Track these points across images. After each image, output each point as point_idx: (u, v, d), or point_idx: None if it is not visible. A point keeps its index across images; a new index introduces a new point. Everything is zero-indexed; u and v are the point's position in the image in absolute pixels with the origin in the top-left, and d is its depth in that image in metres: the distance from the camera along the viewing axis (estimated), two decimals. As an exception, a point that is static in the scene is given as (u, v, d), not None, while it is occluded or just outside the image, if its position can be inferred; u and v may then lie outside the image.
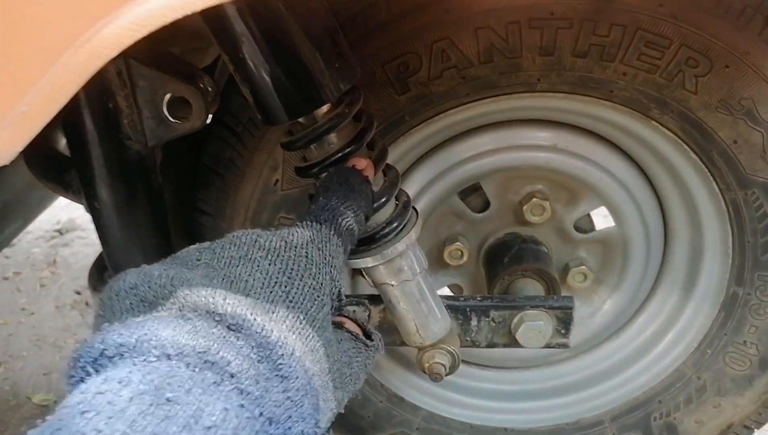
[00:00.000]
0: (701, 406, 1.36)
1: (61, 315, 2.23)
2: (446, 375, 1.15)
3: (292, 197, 1.19)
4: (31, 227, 2.77)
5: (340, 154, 0.95)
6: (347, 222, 0.80)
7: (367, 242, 1.01)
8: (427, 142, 1.24)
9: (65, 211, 2.81)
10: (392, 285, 1.07)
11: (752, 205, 1.17)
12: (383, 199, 0.99)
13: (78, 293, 2.30)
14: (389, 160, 1.05)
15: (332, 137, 0.95)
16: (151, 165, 1.00)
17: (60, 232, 2.75)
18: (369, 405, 1.43)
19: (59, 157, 1.14)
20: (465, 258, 1.37)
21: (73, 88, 0.62)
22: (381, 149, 1.01)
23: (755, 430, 1.39)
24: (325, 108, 0.93)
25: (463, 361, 1.51)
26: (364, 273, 1.11)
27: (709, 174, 1.17)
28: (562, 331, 1.19)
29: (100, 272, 1.23)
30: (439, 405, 1.48)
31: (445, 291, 1.44)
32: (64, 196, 1.11)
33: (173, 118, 0.94)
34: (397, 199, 1.04)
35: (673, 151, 1.18)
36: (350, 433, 1.46)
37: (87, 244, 2.64)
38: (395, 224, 1.01)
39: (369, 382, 1.42)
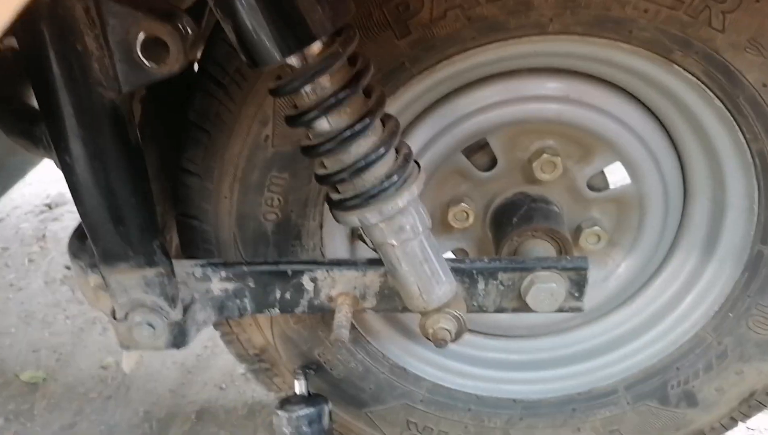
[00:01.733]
0: (722, 373, 1.28)
1: (51, 290, 2.16)
2: (452, 341, 1.07)
3: (284, 154, 1.11)
4: (20, 202, 2.69)
5: (333, 100, 0.86)
6: None
7: (364, 198, 0.93)
8: (429, 93, 1.15)
9: (55, 186, 2.73)
10: (393, 245, 0.99)
11: (782, 156, 1.08)
12: (381, 151, 0.91)
13: (68, 268, 2.22)
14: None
15: (325, 80, 0.86)
16: (126, 115, 0.91)
17: (49, 206, 2.66)
18: (370, 376, 1.36)
19: (28, 110, 1.05)
20: (470, 220, 1.28)
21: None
22: (379, 96, 0.93)
23: (778, 397, 1.32)
24: (316, 47, 0.84)
25: (470, 330, 1.44)
26: (362, 233, 1.02)
27: (734, 122, 1.08)
28: (576, 294, 1.12)
29: (81, 239, 1.15)
30: (444, 376, 1.41)
31: (450, 256, 1.35)
32: (35, 153, 1.03)
33: (148, 61, 0.85)
34: (397, 152, 0.95)
35: (696, 98, 1.09)
36: (351, 405, 1.39)
37: (77, 219, 2.55)
38: (395, 178, 0.93)
39: (370, 353, 1.35)
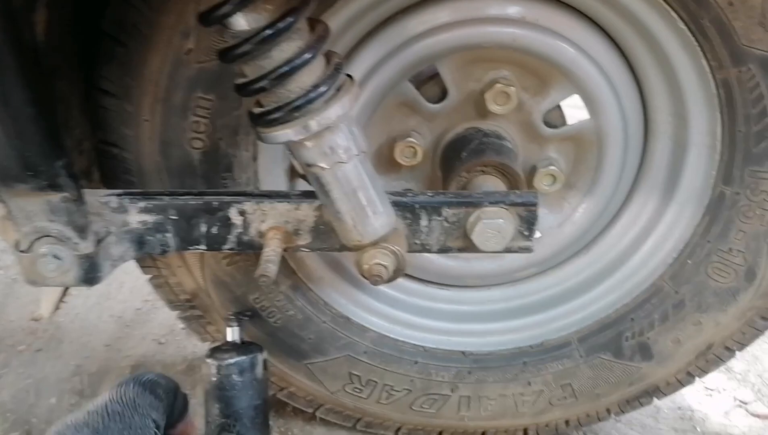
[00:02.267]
0: (679, 324, 1.22)
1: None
2: (389, 279, 0.99)
3: (209, 71, 1.00)
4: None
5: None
6: None
7: (288, 110, 0.83)
8: (372, 12, 1.05)
9: None
10: (323, 168, 0.89)
11: (746, 86, 1.00)
12: (307, 56, 0.81)
13: None
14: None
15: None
16: (19, 11, 0.80)
17: None
18: (310, 325, 1.27)
19: None
20: (419, 157, 1.19)
21: None
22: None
23: (736, 352, 1.26)
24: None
25: (418, 279, 1.36)
26: (290, 154, 0.93)
27: (698, 48, 1.00)
28: (525, 232, 1.03)
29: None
30: (390, 326, 1.32)
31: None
32: None
33: None
34: (326, 60, 0.85)
35: (659, 20, 1.01)
36: (290, 356, 1.30)
37: None
38: (323, 88, 0.83)
39: (310, 301, 1.26)
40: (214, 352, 1.18)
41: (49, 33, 0.98)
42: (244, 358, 1.17)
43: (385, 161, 1.22)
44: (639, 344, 1.25)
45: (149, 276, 1.24)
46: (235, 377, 1.15)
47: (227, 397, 1.14)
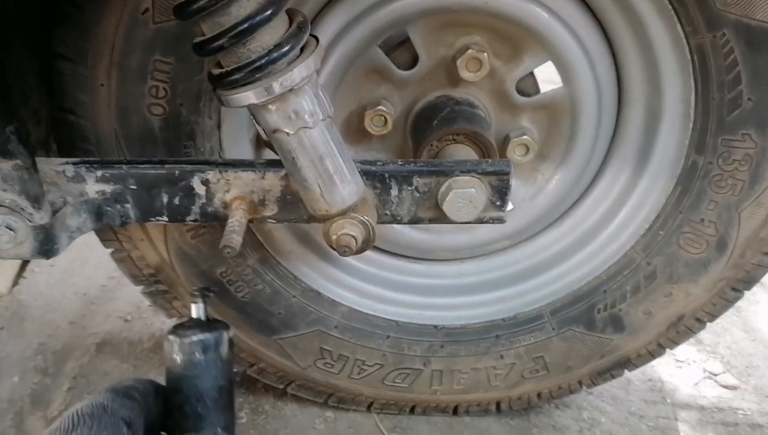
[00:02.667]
0: (650, 295, 1.21)
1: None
2: (358, 250, 0.96)
3: (167, 33, 0.95)
4: None
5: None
6: None
7: (249, 70, 0.79)
8: (340, -29, 1.01)
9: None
10: (288, 133, 0.86)
11: (721, 52, 0.99)
12: (268, 12, 0.77)
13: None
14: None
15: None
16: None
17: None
18: (280, 300, 1.24)
19: None
20: (389, 126, 1.16)
21: None
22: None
23: (707, 323, 1.26)
24: None
25: (390, 253, 1.34)
26: (253, 120, 0.89)
27: (673, 12, 0.98)
28: (497, 202, 1.01)
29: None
30: (361, 301, 1.30)
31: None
32: None
33: None
34: (290, 19, 0.82)
35: (634, -15, 0.98)
36: (259, 332, 1.28)
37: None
38: (286, 48, 0.79)
39: (279, 275, 1.23)
40: (176, 329, 1.14)
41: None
42: (208, 335, 1.12)
43: (354, 131, 1.19)
44: (611, 316, 1.24)
45: (111, 250, 1.20)
46: (198, 356, 1.11)
47: (189, 377, 1.09)
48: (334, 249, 0.96)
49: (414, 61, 1.13)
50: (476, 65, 1.09)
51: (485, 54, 1.08)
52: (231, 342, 1.15)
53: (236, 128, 1.11)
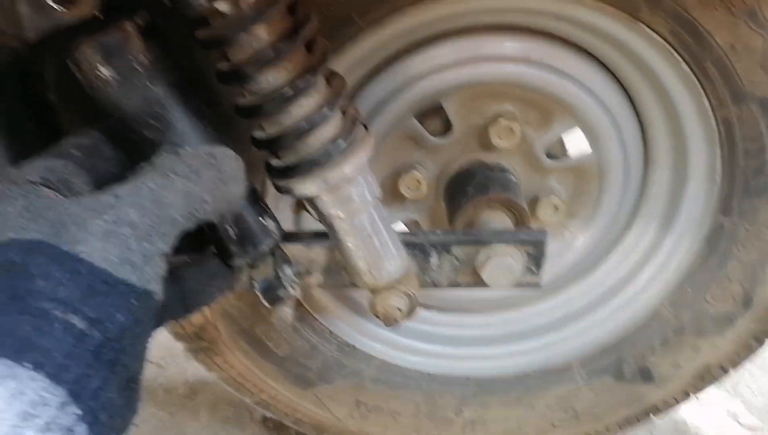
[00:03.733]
0: (678, 348, 1.25)
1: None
2: (403, 320, 1.00)
3: (227, 117, 1.00)
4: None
5: (271, 52, 0.76)
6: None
7: (307, 165, 0.83)
8: (379, 51, 1.06)
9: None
10: (340, 217, 0.90)
11: (746, 123, 1.03)
12: (326, 112, 0.81)
13: None
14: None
15: (260, 30, 0.75)
16: (33, 67, 0.79)
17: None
18: (317, 355, 1.28)
19: None
20: (423, 189, 1.21)
21: None
22: (322, 50, 0.83)
23: (730, 371, 1.30)
24: (249, -10, 0.73)
25: (421, 304, 1.38)
26: (306, 204, 0.93)
27: (700, 87, 1.02)
28: (533, 269, 1.05)
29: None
30: (394, 353, 1.34)
31: (401, 228, 1.28)
32: None
33: (56, 4, 0.73)
34: (343, 114, 0.86)
35: (661, 60, 1.03)
36: (296, 385, 1.32)
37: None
38: (341, 142, 0.83)
39: (316, 330, 1.27)
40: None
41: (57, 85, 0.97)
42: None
43: (389, 193, 1.23)
44: (639, 368, 1.28)
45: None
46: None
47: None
48: (381, 320, 1.00)
49: (447, 128, 1.18)
50: (508, 133, 1.14)
51: (516, 123, 1.13)
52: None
53: (278, 195, 1.15)
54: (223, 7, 0.73)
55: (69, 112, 0.90)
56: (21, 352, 0.43)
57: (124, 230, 0.52)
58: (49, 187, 0.58)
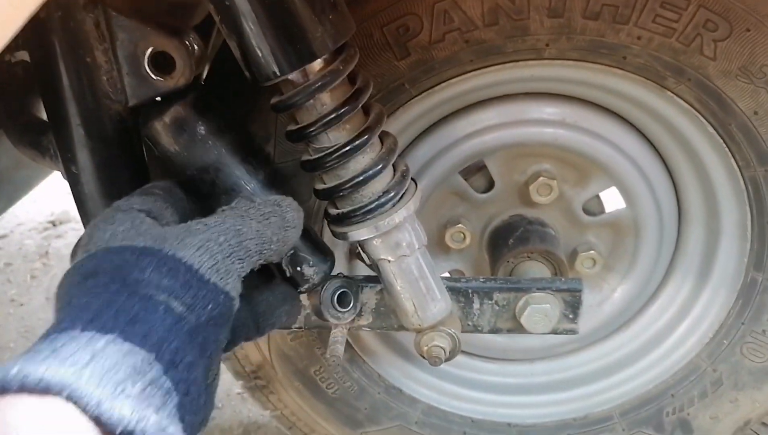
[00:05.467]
0: (717, 401, 1.28)
1: (51, 306, 2.16)
2: (446, 359, 1.08)
3: (285, 171, 1.13)
4: (24, 219, 2.72)
5: (334, 115, 0.89)
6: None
7: (361, 213, 0.94)
8: (428, 115, 1.18)
9: (59, 203, 2.75)
10: (389, 261, 1.00)
11: (773, 183, 1.10)
12: (379, 167, 0.93)
13: (69, 285, 2.24)
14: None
15: (325, 97, 0.88)
16: (132, 127, 0.94)
17: (53, 223, 2.69)
18: (366, 396, 1.36)
19: (37, 122, 1.08)
20: (467, 241, 1.30)
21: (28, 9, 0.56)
22: (377, 113, 0.95)
23: (773, 427, 1.31)
24: (317, 64, 0.86)
25: (465, 353, 1.45)
26: (359, 248, 1.04)
27: (727, 149, 1.10)
28: (570, 316, 1.12)
29: (84, 250, 1.17)
30: (439, 398, 1.41)
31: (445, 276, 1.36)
32: (41, 163, 1.05)
33: (155, 75, 0.88)
34: (394, 168, 0.97)
35: (689, 125, 1.11)
36: (346, 426, 1.39)
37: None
38: (392, 194, 0.94)
39: (366, 373, 1.36)
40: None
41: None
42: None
43: (436, 244, 1.33)
44: (679, 419, 1.31)
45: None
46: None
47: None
48: (425, 359, 1.08)
49: (490, 184, 1.27)
50: (547, 190, 1.23)
51: (555, 181, 1.22)
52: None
53: (334, 244, 1.26)
54: (294, 77, 0.87)
55: (153, 164, 1.05)
56: (133, 323, 0.54)
57: (212, 247, 0.65)
58: (148, 216, 0.74)
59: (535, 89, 1.17)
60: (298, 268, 0.98)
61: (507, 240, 1.24)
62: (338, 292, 1.07)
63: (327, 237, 1.23)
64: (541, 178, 1.22)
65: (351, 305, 1.08)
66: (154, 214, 0.76)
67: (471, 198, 1.28)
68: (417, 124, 1.19)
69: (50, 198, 2.74)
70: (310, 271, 0.99)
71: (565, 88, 1.16)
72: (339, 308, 1.08)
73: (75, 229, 2.64)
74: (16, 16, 0.55)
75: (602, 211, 1.30)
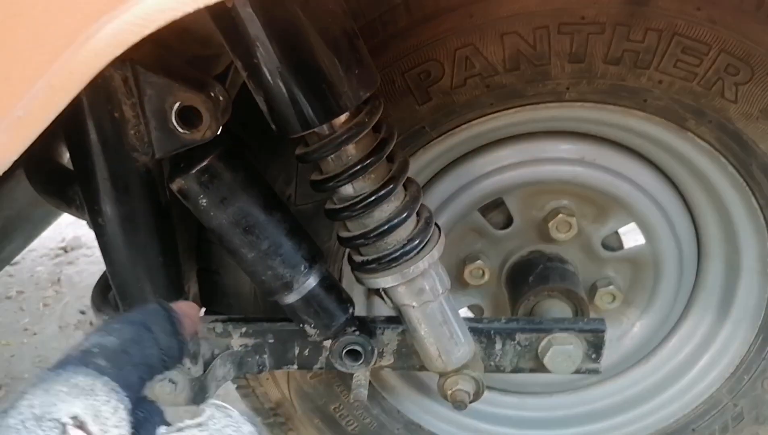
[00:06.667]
0: (738, 436, 1.28)
1: (65, 335, 2.16)
2: (470, 402, 1.08)
3: (305, 213, 1.13)
4: (35, 245, 2.72)
5: (358, 167, 0.89)
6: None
7: (386, 261, 0.95)
8: (448, 154, 1.18)
9: (71, 229, 2.76)
10: (413, 306, 1.00)
11: (793, 221, 1.10)
12: (404, 215, 0.93)
13: (82, 313, 2.24)
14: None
15: (350, 148, 0.89)
16: (158, 179, 0.94)
17: (65, 249, 2.69)
18: (385, 432, 1.36)
19: (62, 171, 1.08)
20: (486, 277, 1.30)
21: (73, 91, 0.57)
22: (402, 162, 0.95)
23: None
24: (343, 117, 0.87)
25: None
26: (382, 294, 1.04)
27: (747, 189, 1.10)
28: (593, 356, 1.12)
29: (104, 292, 1.17)
30: (459, 433, 1.40)
31: (465, 312, 1.37)
32: (67, 212, 1.06)
33: (182, 129, 0.88)
34: (418, 215, 0.98)
35: (710, 164, 1.11)
36: (365, 461, 1.39)
37: (92, 262, 2.58)
38: (416, 242, 0.94)
39: (385, 409, 1.35)
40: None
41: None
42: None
43: (454, 280, 1.33)
44: (701, 454, 1.31)
45: (236, 385, 1.35)
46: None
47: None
48: (449, 402, 1.08)
49: (508, 221, 1.28)
50: (566, 227, 1.23)
51: (574, 218, 1.22)
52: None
53: (352, 283, 1.26)
54: (320, 130, 0.87)
55: (178, 214, 1.06)
56: None
57: None
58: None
59: (555, 128, 1.17)
60: (301, 324, 1.03)
61: (527, 277, 1.24)
62: (347, 350, 1.08)
63: (346, 275, 1.23)
64: (560, 215, 1.22)
65: (362, 361, 1.08)
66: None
67: (490, 234, 1.28)
68: (437, 162, 1.20)
69: (61, 225, 2.74)
70: (312, 331, 1.03)
71: (584, 127, 1.17)
72: (348, 362, 1.08)
73: (86, 255, 2.64)
74: (59, 99, 0.56)
75: (621, 246, 1.30)
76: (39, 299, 2.39)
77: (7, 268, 2.58)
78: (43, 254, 2.69)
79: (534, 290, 1.21)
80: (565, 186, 1.22)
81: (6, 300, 2.40)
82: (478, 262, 1.29)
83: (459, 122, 1.08)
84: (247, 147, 1.10)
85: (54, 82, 0.55)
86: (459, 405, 1.06)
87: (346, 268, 1.22)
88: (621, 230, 1.31)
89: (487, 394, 1.43)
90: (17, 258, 2.63)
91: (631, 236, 1.32)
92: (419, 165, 1.16)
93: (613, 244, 1.30)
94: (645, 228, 1.24)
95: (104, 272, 1.10)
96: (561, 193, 1.24)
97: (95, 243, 0.99)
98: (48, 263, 2.64)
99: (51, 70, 0.56)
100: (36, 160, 1.09)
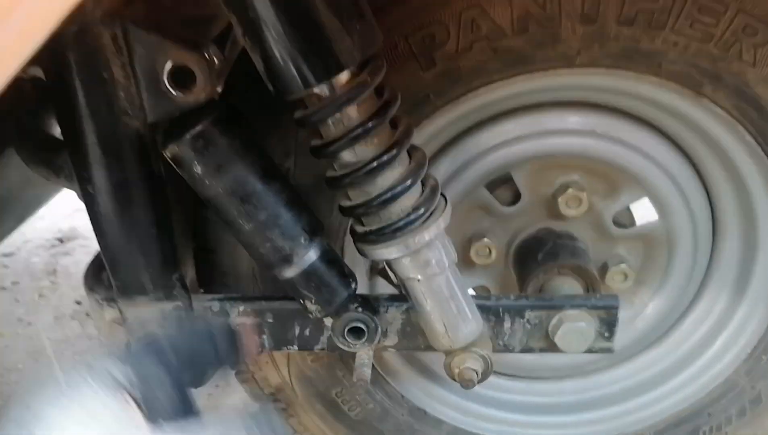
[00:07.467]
0: (756, 419, 1.23)
1: (60, 326, 2.12)
2: (479, 382, 1.03)
3: (305, 187, 1.08)
4: (31, 235, 2.68)
5: (360, 130, 0.85)
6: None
7: (390, 231, 0.90)
8: (453, 126, 1.14)
9: (66, 220, 2.72)
10: (418, 280, 0.96)
11: (814, 194, 1.05)
12: (408, 183, 0.89)
13: (78, 303, 2.19)
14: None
15: (352, 110, 0.84)
16: (151, 145, 0.90)
17: (61, 240, 2.65)
18: (389, 418, 1.31)
19: (50, 140, 1.04)
20: (493, 256, 1.25)
21: (49, 24, 0.52)
22: (406, 127, 0.91)
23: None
24: (344, 76, 0.82)
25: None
26: (387, 267, 1.00)
27: (766, 159, 1.05)
28: (606, 334, 1.08)
29: (97, 273, 1.13)
30: (465, 419, 1.36)
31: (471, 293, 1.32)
32: (55, 182, 1.01)
33: (175, 90, 0.84)
34: (423, 184, 0.93)
35: (726, 133, 1.07)
36: (369, 449, 1.34)
37: (89, 253, 2.51)
38: (422, 211, 0.90)
39: (389, 394, 1.31)
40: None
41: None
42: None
43: (460, 259, 1.27)
44: (717, 439, 1.26)
45: (235, 371, 1.31)
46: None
47: None
48: (457, 381, 1.03)
49: (516, 197, 1.23)
50: (576, 202, 1.18)
51: (584, 193, 1.17)
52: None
53: (355, 261, 1.21)
54: (320, 91, 0.83)
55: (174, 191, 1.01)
56: None
57: None
58: None
59: (564, 98, 1.13)
60: (302, 301, 0.98)
61: (536, 255, 1.19)
62: (349, 327, 1.03)
63: (349, 253, 1.19)
64: (570, 190, 1.18)
65: (365, 339, 1.04)
66: None
67: (497, 211, 1.24)
68: (441, 135, 1.15)
69: (57, 215, 2.70)
70: (313, 307, 0.98)
71: (595, 97, 1.12)
72: (351, 340, 1.04)
73: (83, 245, 2.60)
74: (36, 30, 0.51)
75: (633, 223, 1.26)
76: (34, 290, 2.34)
77: (2, 258, 2.54)
78: (38, 245, 2.65)
79: (543, 268, 1.17)
80: (575, 159, 1.18)
81: (1, 291, 2.36)
82: (485, 240, 1.24)
83: (465, 90, 1.03)
84: (244, 118, 1.05)
85: (30, 13, 0.51)
86: (467, 384, 1.02)
87: (348, 248, 1.18)
88: (633, 207, 1.26)
89: (493, 379, 1.39)
90: (12, 249, 2.60)
91: (643, 213, 1.28)
92: (423, 137, 1.11)
93: (625, 221, 1.25)
94: (658, 202, 1.19)
95: (97, 253, 1.06)
96: (571, 167, 1.19)
97: (92, 234, 0.95)
98: (44, 254, 2.59)
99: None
100: (23, 131, 1.05)
